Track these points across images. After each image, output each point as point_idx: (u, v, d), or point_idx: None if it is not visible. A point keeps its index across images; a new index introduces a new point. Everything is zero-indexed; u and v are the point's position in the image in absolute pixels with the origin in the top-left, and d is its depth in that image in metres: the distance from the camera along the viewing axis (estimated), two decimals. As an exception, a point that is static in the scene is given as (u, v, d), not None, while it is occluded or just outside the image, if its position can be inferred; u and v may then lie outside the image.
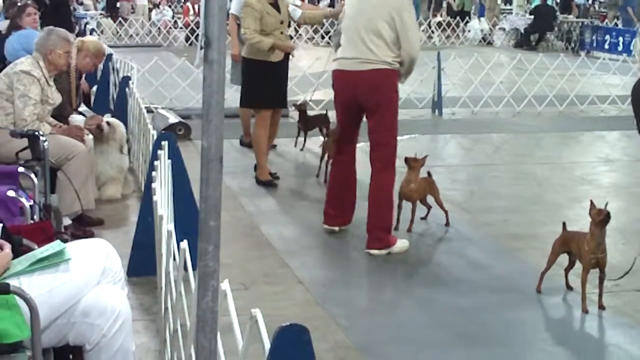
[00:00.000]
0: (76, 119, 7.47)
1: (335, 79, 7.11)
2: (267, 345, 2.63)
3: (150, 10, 32.75)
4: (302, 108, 10.88)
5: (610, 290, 5.96)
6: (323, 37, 27.23)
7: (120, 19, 28.81)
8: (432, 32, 29.63)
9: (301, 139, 11.06)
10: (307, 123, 10.84)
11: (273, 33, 8.89)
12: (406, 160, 7.36)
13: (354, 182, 7.26)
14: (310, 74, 14.25)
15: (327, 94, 13.26)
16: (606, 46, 25.89)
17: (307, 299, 5.93)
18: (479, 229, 7.74)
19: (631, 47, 24.74)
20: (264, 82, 9.02)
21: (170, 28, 29.28)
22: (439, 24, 30.34)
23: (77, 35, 14.07)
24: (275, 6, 8.97)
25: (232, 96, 10.63)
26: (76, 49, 8.07)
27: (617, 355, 5.22)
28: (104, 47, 8.32)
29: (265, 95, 9.09)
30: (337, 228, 7.31)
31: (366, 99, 6.79)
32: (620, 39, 25.50)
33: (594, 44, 26.67)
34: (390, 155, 6.85)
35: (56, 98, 7.20)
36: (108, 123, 8.20)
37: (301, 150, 11.00)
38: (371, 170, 6.90)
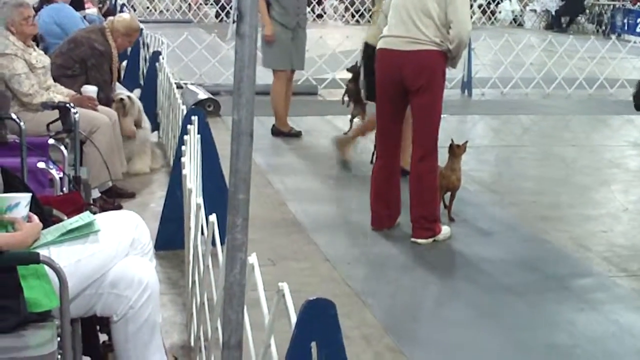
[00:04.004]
0: (88, 89, 7.38)
1: (379, 57, 6.67)
2: (294, 319, 2.64)
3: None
4: (355, 71, 9.24)
5: (635, 273, 5.94)
6: (353, 16, 27.16)
7: (151, -6, 28.85)
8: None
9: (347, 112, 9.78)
10: (359, 94, 9.04)
11: None
12: (450, 147, 7.07)
13: (398, 179, 6.87)
14: (340, 52, 14.21)
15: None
16: (637, 29, 25.62)
17: (334, 276, 5.94)
18: (506, 210, 7.72)
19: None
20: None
21: (200, 4, 29.26)
22: (480, 6, 30.07)
23: (107, 11, 14.09)
24: None
25: (262, 73, 10.52)
26: (109, 32, 7.93)
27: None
28: (136, 22, 8.21)
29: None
30: (386, 229, 6.93)
31: (411, 80, 6.44)
32: (652, 22, 25.30)
33: (625, 27, 26.41)
34: (432, 141, 6.55)
35: (43, 59, 6.97)
36: (129, 97, 8.23)
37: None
38: (412, 156, 6.66)
